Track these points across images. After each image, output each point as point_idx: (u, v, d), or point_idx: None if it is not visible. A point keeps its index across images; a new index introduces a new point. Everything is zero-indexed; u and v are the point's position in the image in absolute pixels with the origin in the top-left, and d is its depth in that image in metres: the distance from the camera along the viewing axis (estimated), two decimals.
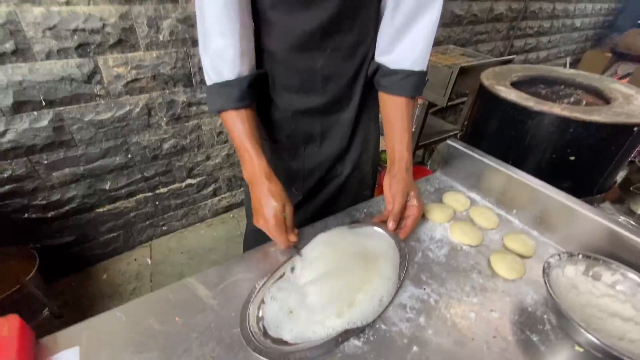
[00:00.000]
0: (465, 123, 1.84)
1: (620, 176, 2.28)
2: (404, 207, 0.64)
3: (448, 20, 2.22)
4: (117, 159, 1.35)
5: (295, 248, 0.60)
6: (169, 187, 1.59)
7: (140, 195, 1.52)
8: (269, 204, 0.57)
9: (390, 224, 0.63)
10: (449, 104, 1.59)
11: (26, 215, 1.25)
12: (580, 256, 0.57)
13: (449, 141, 0.85)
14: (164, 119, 1.38)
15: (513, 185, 0.74)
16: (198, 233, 1.78)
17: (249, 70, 0.62)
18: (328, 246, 0.61)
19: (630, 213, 2.19)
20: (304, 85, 0.67)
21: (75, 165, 1.26)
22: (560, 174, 1.14)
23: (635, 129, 1.00)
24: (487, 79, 1.32)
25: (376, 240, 0.62)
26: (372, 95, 0.74)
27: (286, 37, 0.61)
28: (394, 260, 0.58)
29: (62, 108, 1.14)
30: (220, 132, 1.58)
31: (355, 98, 0.72)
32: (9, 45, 0.98)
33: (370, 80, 0.71)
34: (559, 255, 0.56)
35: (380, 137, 0.82)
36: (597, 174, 1.14)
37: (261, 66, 0.66)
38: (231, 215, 1.89)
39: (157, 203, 1.59)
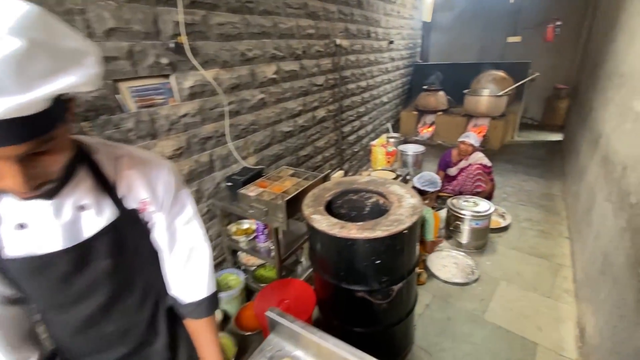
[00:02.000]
0: None
1: (443, 215, 2.90)
2: None
3: (282, 138, 2.64)
4: None
5: None
6: None
7: None
8: None
9: None
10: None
11: None
12: None
13: (267, 313, 1.01)
14: None
15: (317, 342, 0.91)
16: None
17: None
18: None
19: (460, 245, 2.79)
20: (103, 348, 0.73)
21: None
22: (377, 272, 1.45)
23: (404, 231, 1.37)
24: (307, 207, 1.62)
25: None
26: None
27: (67, 326, 0.67)
28: None
29: None
30: None
31: (162, 329, 0.80)
32: None
33: (171, 308, 0.82)
34: None
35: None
36: (400, 264, 1.48)
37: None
38: None
39: None
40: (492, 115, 4.88)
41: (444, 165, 3.46)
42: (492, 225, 2.82)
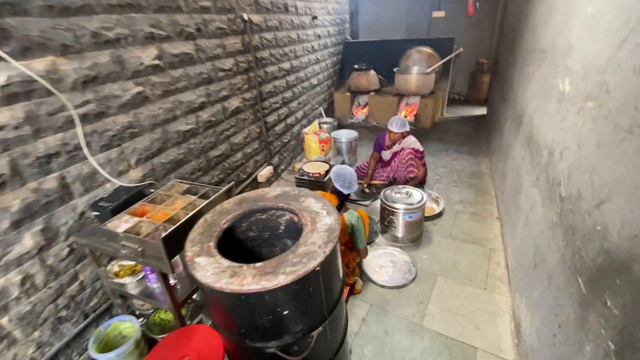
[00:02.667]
0: None
1: (376, 213, 2.71)
2: None
3: (180, 139, 2.14)
4: None
5: None
6: None
7: None
8: None
9: None
10: None
11: None
12: None
13: None
14: None
15: None
16: None
17: None
18: None
19: (395, 239, 2.60)
20: None
21: None
22: (288, 324, 1.12)
23: (317, 268, 1.05)
24: (191, 244, 1.21)
25: None
26: None
27: None
28: None
29: None
30: None
31: None
32: None
33: None
34: None
35: None
36: (317, 307, 1.17)
37: None
38: None
39: None
40: (422, 93, 4.81)
41: (378, 148, 3.25)
42: (427, 213, 2.70)
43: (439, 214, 2.82)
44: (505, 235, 2.41)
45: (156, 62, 1.90)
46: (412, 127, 4.94)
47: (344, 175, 1.89)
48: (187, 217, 1.39)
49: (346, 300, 1.99)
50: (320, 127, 4.35)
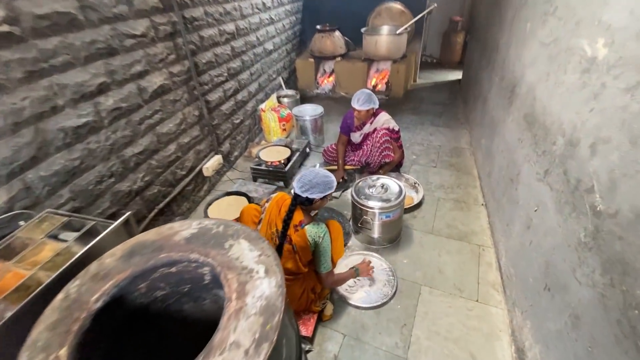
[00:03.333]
0: None
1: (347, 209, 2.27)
2: None
3: (70, 139, 1.53)
4: None
5: None
6: None
7: None
8: None
9: None
10: None
11: None
12: None
13: None
14: None
15: None
16: None
17: None
18: None
19: (370, 240, 2.21)
20: None
21: None
22: None
23: None
24: (29, 352, 0.71)
25: None
26: None
27: None
28: None
29: None
30: None
31: None
32: None
33: None
34: None
35: None
36: None
37: None
38: None
39: None
40: (394, 57, 4.27)
41: (346, 130, 2.75)
42: (406, 204, 2.31)
43: (419, 204, 2.45)
44: (495, 228, 2.08)
45: (5, 28, 1.23)
46: (384, 97, 4.45)
47: (305, 175, 1.42)
48: (44, 285, 0.87)
49: (313, 334, 1.59)
50: (279, 102, 3.76)
